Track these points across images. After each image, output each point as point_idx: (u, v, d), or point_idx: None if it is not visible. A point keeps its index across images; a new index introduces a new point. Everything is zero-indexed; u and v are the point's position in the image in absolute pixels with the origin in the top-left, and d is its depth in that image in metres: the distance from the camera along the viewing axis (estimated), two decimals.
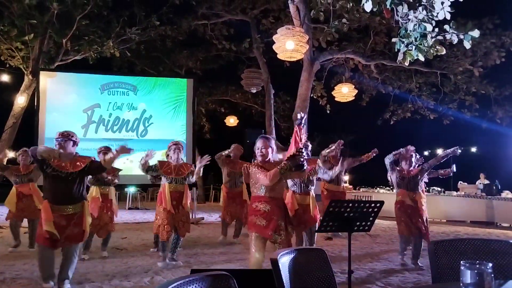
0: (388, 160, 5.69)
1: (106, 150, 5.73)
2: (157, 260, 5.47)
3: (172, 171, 5.37)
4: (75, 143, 4.28)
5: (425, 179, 5.79)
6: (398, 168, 5.65)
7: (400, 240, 5.64)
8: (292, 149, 3.83)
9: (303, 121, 3.94)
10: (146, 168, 5.31)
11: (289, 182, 5.29)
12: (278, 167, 3.43)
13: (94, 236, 5.69)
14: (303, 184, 5.29)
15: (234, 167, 7.14)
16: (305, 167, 3.62)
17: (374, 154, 6.89)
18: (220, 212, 7.63)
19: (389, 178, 5.95)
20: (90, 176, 5.59)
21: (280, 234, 3.58)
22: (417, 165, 5.67)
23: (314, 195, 5.41)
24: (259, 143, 3.72)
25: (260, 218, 3.62)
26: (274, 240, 3.56)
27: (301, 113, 4.12)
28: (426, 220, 5.57)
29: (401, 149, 5.68)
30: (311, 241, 5.43)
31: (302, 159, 3.48)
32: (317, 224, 5.23)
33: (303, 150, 3.53)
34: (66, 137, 4.20)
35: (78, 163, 4.17)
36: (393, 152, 5.68)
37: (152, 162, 5.43)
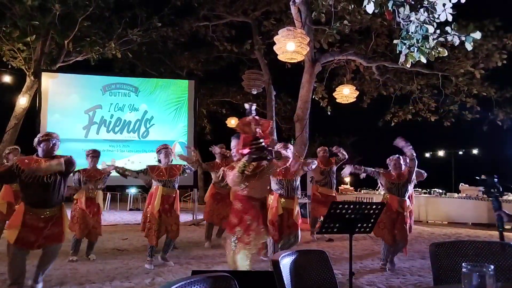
0: (370, 169, 5.69)
1: (94, 153, 5.73)
2: (158, 261, 5.46)
3: (165, 173, 5.33)
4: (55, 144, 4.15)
5: (414, 181, 5.77)
6: (384, 172, 5.54)
7: (384, 247, 5.46)
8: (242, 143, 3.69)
9: (252, 111, 3.78)
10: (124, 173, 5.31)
11: (275, 186, 5.23)
12: (236, 167, 3.40)
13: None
14: (289, 188, 5.21)
15: (220, 168, 7.03)
16: (268, 155, 3.52)
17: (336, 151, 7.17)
18: None
19: (378, 182, 5.94)
20: (74, 179, 5.58)
21: (249, 234, 3.52)
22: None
23: (298, 200, 5.40)
24: (232, 143, 3.70)
25: (233, 216, 3.58)
26: (242, 241, 3.52)
27: (249, 103, 3.97)
28: (410, 228, 5.53)
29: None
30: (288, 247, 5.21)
31: (259, 150, 3.40)
32: (299, 231, 5.21)
33: (257, 141, 3.43)
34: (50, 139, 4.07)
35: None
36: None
37: (142, 166, 5.49)
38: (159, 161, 5.43)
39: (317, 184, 7.84)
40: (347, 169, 5.97)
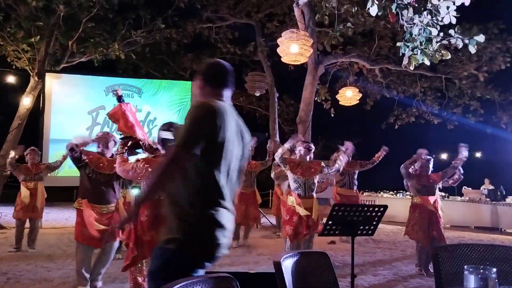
0: (403, 168, 5.53)
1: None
2: None
3: None
4: (115, 143, 4.35)
5: (440, 185, 5.69)
6: (415, 174, 5.46)
7: (419, 250, 5.38)
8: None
9: (122, 98, 4.09)
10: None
11: (293, 185, 5.12)
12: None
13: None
14: (306, 187, 5.09)
15: (249, 166, 6.95)
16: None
17: (385, 153, 6.74)
18: None
19: (405, 183, 5.86)
20: None
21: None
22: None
23: (316, 199, 5.31)
24: None
25: None
26: None
27: (117, 89, 4.20)
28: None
29: (414, 155, 5.59)
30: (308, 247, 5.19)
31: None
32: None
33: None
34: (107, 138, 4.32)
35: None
36: (408, 161, 5.53)
37: None
38: None
39: (336, 184, 7.59)
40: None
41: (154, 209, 3.28)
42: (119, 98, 3.90)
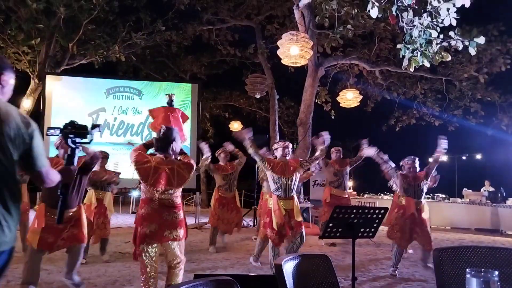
0: (391, 163, 5.55)
1: (103, 154, 5.65)
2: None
3: None
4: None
5: (428, 184, 5.67)
6: (402, 173, 5.46)
7: (396, 251, 5.38)
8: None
9: (173, 103, 4.10)
10: None
11: (273, 186, 5.06)
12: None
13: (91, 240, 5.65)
14: (286, 188, 5.01)
15: (226, 170, 6.97)
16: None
17: (366, 145, 6.46)
18: None
19: (392, 184, 5.90)
20: None
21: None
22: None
23: (297, 200, 5.25)
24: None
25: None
26: None
27: (170, 93, 4.23)
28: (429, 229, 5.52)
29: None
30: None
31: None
32: (303, 230, 5.09)
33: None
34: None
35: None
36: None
37: None
38: None
39: (330, 185, 7.48)
40: (371, 150, 5.79)
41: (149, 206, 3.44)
42: (170, 103, 3.95)
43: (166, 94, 4.56)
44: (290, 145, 5.19)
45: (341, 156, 7.61)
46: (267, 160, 5.03)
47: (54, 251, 4.11)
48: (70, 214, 4.02)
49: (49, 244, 3.94)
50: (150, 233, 3.41)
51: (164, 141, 3.52)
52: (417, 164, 5.46)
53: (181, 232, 3.53)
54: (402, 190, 5.47)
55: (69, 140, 2.43)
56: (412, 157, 5.49)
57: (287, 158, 5.12)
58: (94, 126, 2.56)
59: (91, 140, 2.51)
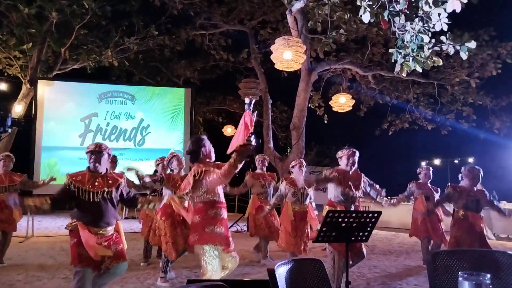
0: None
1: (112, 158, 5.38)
2: (153, 269, 5.41)
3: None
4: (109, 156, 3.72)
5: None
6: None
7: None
8: (240, 136, 3.43)
9: (251, 106, 3.55)
10: (152, 181, 4.98)
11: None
12: (230, 160, 3.24)
13: None
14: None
15: (264, 178, 6.56)
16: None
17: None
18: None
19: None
20: None
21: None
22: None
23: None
24: (208, 143, 3.79)
25: (219, 226, 3.53)
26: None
27: (250, 96, 3.87)
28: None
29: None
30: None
31: (252, 148, 3.22)
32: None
33: (252, 138, 3.24)
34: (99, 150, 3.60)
35: (110, 181, 3.62)
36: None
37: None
38: (156, 171, 5.36)
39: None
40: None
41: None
42: (248, 105, 3.57)
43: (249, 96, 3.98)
44: (357, 153, 4.73)
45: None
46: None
47: (102, 270, 3.57)
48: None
49: (97, 263, 3.49)
50: None
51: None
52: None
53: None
54: (460, 205, 5.28)
55: None
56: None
57: (354, 167, 4.70)
58: None
59: None
